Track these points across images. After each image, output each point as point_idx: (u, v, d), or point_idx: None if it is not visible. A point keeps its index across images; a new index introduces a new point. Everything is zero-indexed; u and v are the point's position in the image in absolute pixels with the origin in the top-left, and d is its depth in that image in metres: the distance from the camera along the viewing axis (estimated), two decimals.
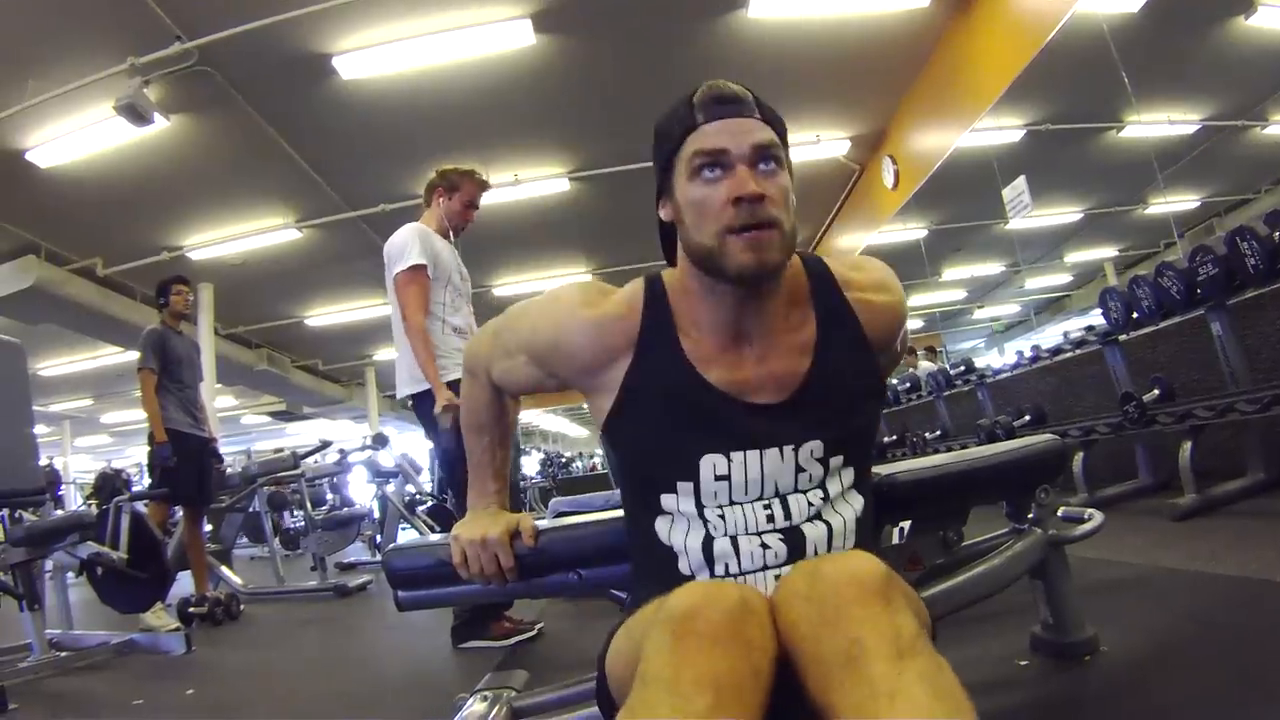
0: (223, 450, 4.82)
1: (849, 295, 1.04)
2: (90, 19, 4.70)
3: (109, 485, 8.01)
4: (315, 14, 4.76)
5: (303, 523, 6.11)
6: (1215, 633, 1.75)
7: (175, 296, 4.05)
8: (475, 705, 1.30)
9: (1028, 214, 6.19)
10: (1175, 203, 8.87)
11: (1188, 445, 3.26)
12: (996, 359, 11.16)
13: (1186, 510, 3.11)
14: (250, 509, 5.35)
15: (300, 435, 17.86)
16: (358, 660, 3.00)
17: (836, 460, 0.99)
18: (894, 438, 6.89)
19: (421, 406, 2.74)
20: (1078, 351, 4.74)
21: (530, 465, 12.73)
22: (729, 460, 0.96)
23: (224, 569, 4.57)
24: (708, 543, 0.97)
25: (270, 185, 7.20)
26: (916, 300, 13.36)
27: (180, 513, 4.25)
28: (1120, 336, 4.13)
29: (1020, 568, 1.56)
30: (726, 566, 0.96)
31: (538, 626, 2.77)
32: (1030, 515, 1.62)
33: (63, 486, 11.62)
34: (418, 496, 5.23)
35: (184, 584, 4.16)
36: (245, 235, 8.01)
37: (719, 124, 0.94)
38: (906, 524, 1.50)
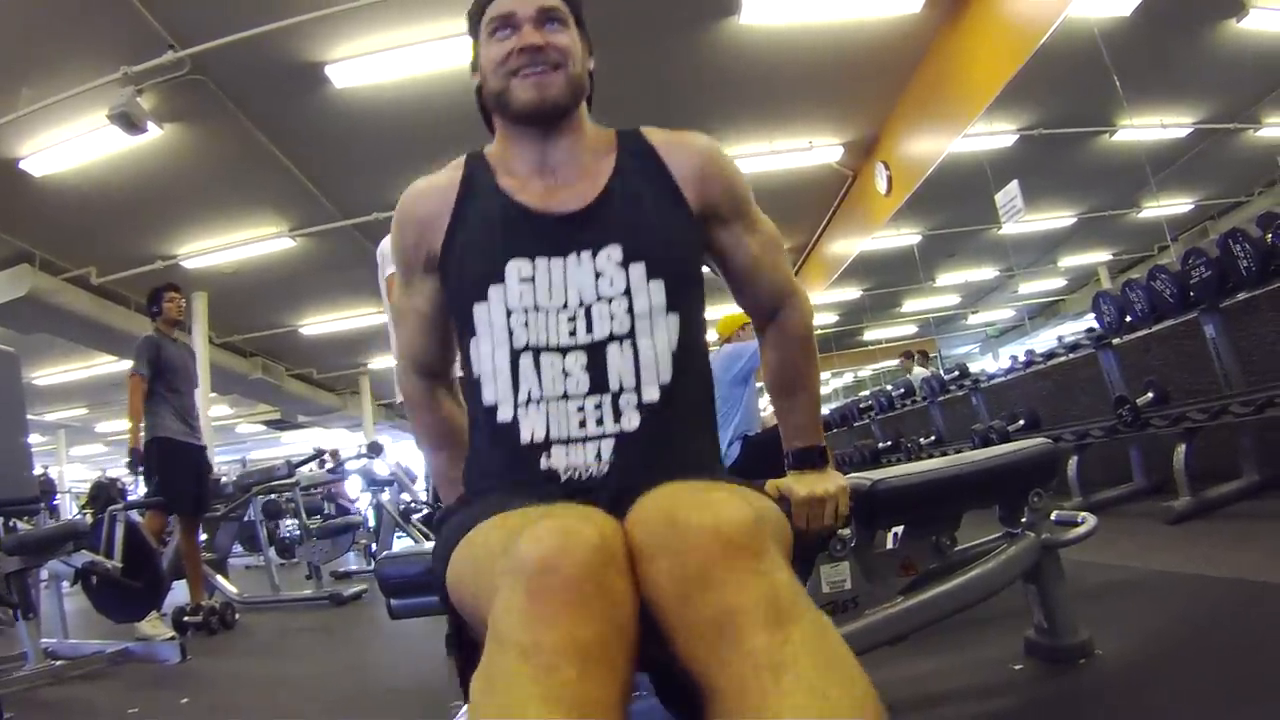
0: (217, 460, 4.80)
1: (652, 140, 1.14)
2: (83, 28, 4.69)
3: (104, 494, 7.92)
4: (308, 22, 4.76)
5: (298, 531, 6.10)
6: (1210, 635, 1.76)
7: (168, 304, 4.03)
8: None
9: (1021, 218, 6.20)
10: (1168, 206, 8.91)
11: (1182, 448, 3.27)
12: (991, 364, 11.21)
13: (1181, 513, 3.12)
14: (245, 518, 5.34)
15: (294, 444, 17.82)
16: (353, 668, 2.99)
17: (638, 269, 1.02)
18: (889, 443, 6.92)
19: None
20: (1071, 355, 4.75)
21: None
22: (533, 264, 1.02)
23: (219, 578, 4.55)
24: (513, 360, 1.00)
25: (264, 194, 7.18)
26: (911, 306, 13.40)
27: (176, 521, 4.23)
28: (1114, 340, 4.14)
29: (1014, 572, 1.57)
30: (529, 393, 0.99)
31: None
32: (1024, 519, 1.63)
33: (58, 495, 11.56)
34: (412, 505, 5.22)
35: (179, 593, 4.14)
36: (239, 244, 7.99)
37: None
38: (899, 529, 1.50)
